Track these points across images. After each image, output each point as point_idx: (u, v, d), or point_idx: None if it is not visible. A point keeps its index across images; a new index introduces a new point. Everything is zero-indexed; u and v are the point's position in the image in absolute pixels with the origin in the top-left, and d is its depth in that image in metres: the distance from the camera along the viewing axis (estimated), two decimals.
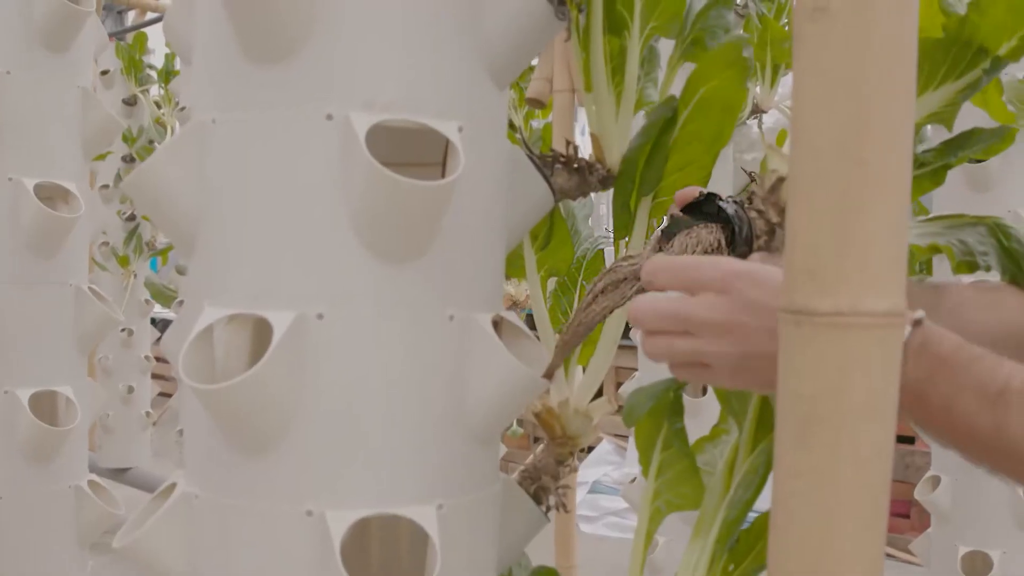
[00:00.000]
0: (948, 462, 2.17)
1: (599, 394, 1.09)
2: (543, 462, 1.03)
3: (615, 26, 1.03)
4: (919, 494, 2.27)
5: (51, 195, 1.57)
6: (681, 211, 0.91)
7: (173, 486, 0.90)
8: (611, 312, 0.90)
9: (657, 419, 0.87)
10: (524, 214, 0.97)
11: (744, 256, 0.86)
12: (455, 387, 0.85)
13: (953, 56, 0.86)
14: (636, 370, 2.81)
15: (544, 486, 1.01)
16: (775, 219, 0.92)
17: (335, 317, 0.80)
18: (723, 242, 0.86)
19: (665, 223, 0.91)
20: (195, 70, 0.90)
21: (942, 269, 2.09)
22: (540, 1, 0.86)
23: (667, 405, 0.85)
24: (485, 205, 0.87)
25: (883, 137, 0.61)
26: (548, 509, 1.03)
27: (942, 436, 0.71)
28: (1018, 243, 0.97)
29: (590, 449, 4.75)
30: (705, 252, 0.85)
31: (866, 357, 0.62)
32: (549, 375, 0.91)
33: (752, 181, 0.95)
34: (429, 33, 0.83)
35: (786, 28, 2.71)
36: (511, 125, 1.08)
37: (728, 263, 0.73)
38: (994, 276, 1.00)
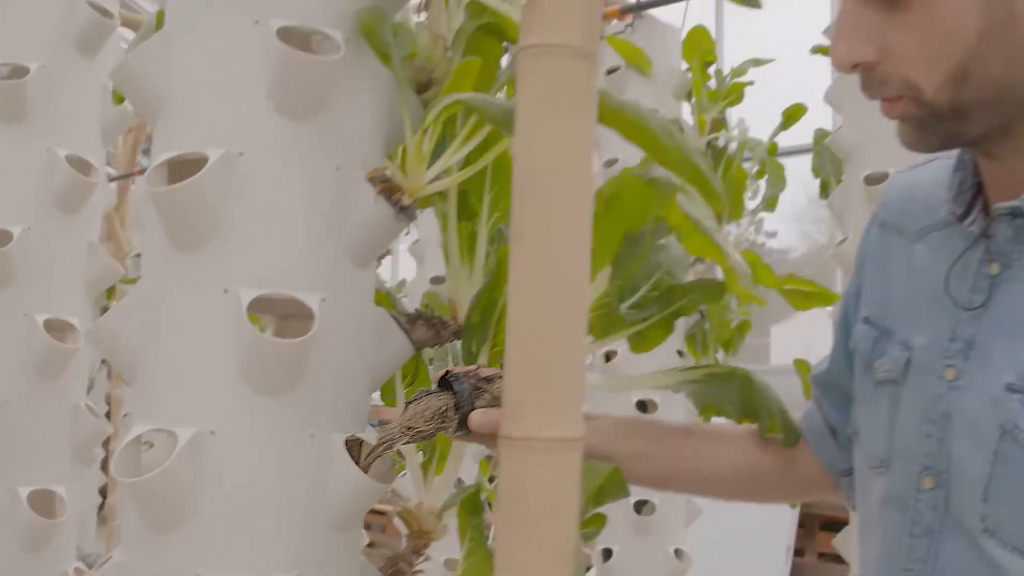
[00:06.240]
0: None
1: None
2: (403, 551, 1.32)
3: (467, 214, 1.36)
4: None
5: (58, 328, 1.92)
6: (438, 383, 1.25)
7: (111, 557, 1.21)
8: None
9: (468, 513, 1.17)
10: (388, 360, 1.29)
11: (466, 415, 1.19)
12: (316, 488, 1.15)
13: (602, 240, 1.17)
14: None
15: (400, 571, 1.30)
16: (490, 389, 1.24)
17: (224, 433, 1.12)
18: (451, 406, 1.19)
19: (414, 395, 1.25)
20: (144, 254, 1.25)
21: None
22: (387, 209, 1.20)
23: (469, 503, 1.15)
24: (343, 354, 1.20)
25: (562, 318, 0.91)
26: None
27: None
28: (762, 395, 1.26)
29: None
30: (434, 415, 1.17)
31: (547, 472, 0.90)
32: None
33: None
34: (304, 232, 1.16)
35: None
36: None
37: None
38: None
